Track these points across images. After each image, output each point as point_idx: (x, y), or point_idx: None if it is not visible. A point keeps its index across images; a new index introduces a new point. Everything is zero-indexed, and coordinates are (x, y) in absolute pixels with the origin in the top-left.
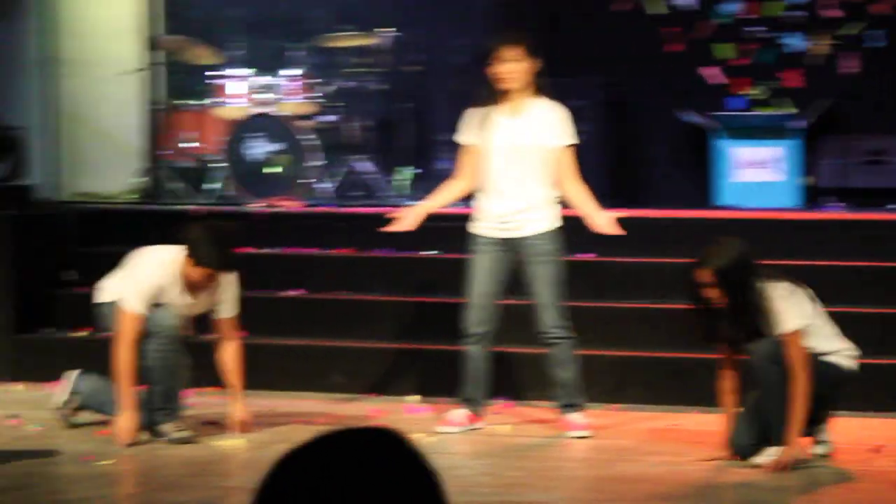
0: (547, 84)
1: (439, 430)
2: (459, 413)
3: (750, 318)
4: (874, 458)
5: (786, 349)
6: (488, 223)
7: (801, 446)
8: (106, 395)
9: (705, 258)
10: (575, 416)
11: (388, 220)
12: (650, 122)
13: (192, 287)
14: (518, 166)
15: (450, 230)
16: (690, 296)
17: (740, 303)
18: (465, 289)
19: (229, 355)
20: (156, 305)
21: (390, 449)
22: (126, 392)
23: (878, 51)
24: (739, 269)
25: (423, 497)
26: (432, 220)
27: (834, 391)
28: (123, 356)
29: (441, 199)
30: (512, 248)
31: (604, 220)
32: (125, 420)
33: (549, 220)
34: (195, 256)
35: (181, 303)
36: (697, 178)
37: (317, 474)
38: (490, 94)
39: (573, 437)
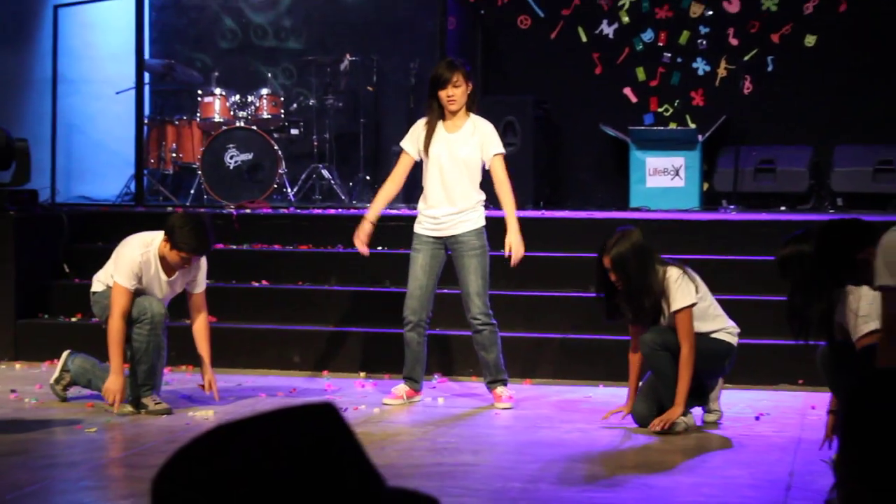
0: (479, 101)
1: (384, 402)
2: (400, 388)
3: (645, 298)
4: (756, 425)
5: (676, 323)
6: (426, 223)
7: (687, 408)
8: (92, 373)
9: (606, 246)
10: (499, 390)
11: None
12: (575, 136)
13: (168, 267)
14: (452, 174)
15: (394, 229)
16: (597, 279)
17: (636, 285)
18: (406, 281)
19: (199, 325)
20: (142, 294)
21: (330, 422)
22: (115, 357)
23: (767, 73)
24: (635, 256)
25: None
26: (380, 220)
27: (720, 363)
28: (114, 325)
29: (376, 207)
30: (445, 245)
31: (515, 244)
32: (113, 382)
33: (476, 220)
34: (172, 241)
35: (159, 279)
36: (619, 184)
37: (255, 445)
38: (436, 111)
39: (498, 408)
